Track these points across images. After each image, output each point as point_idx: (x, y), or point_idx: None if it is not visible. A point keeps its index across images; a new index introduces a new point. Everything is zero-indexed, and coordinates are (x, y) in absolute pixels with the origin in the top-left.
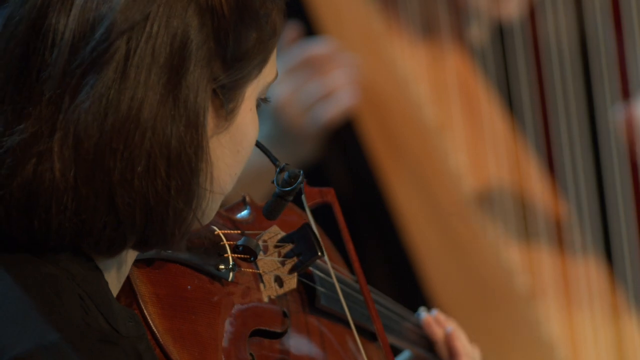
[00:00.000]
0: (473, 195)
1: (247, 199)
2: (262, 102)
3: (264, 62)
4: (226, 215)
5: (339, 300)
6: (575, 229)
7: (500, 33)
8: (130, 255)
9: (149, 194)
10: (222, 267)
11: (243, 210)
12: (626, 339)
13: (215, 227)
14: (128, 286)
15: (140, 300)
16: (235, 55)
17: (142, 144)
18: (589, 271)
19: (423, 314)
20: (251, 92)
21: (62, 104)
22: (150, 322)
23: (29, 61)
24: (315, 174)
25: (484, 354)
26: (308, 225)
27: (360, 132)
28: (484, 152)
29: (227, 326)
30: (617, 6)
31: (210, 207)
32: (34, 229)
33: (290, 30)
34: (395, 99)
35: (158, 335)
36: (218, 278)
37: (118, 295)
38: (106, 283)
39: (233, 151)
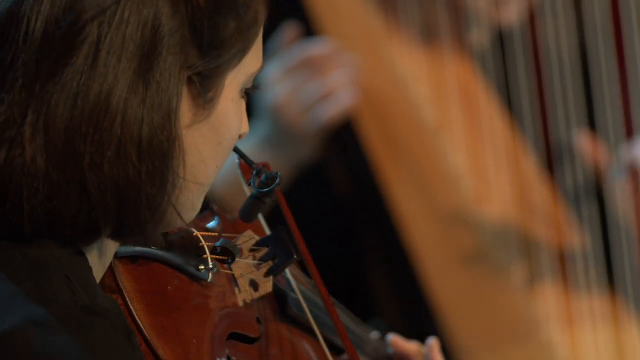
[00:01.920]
0: (473, 196)
1: (215, 208)
2: (248, 92)
3: (243, 51)
4: (198, 223)
5: (307, 307)
6: (574, 229)
7: (500, 36)
8: (110, 247)
9: (120, 178)
10: (202, 267)
11: (211, 220)
12: (627, 346)
13: (193, 229)
14: (113, 281)
15: (126, 296)
16: (211, 43)
17: (112, 128)
18: (587, 271)
19: (389, 335)
20: (231, 81)
21: (34, 89)
22: (136, 317)
23: (3, 48)
24: (315, 174)
25: (483, 353)
26: (283, 228)
27: (359, 132)
28: (483, 152)
29: (207, 327)
30: (617, 10)
31: (186, 197)
32: (7, 214)
33: (290, 30)
34: (394, 99)
35: (144, 330)
36: (197, 279)
37: (103, 289)
38: (90, 269)
39: (214, 142)
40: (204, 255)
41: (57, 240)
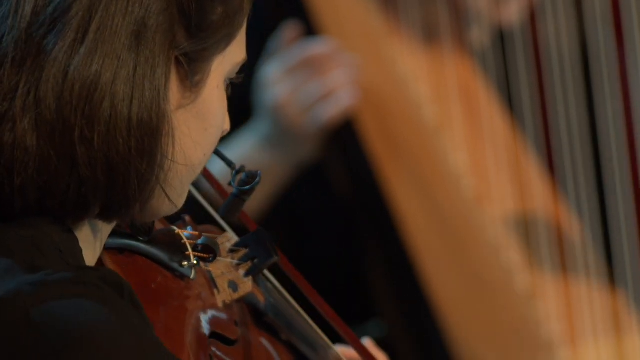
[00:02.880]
0: (473, 195)
1: (187, 218)
2: (232, 82)
3: (230, 36)
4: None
5: (282, 312)
6: (575, 229)
7: (501, 35)
8: (102, 232)
9: (110, 152)
10: (185, 263)
11: (184, 229)
12: (627, 341)
13: (174, 227)
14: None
15: None
16: (199, 25)
17: (102, 103)
18: (589, 271)
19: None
20: (217, 67)
21: (24, 65)
22: None
23: None
24: (315, 174)
25: (484, 353)
26: (261, 229)
27: (360, 132)
28: (483, 152)
29: (191, 323)
30: (617, 9)
31: (174, 178)
32: None
33: (290, 30)
34: (395, 99)
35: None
36: (180, 275)
37: None
38: (80, 250)
39: (201, 128)
40: (187, 253)
41: (48, 218)
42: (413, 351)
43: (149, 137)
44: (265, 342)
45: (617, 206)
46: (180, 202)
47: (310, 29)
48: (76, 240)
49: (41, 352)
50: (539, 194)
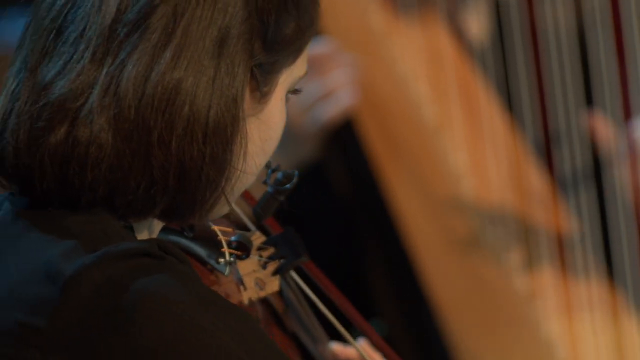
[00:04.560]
0: (473, 195)
1: None
2: (291, 94)
3: (299, 50)
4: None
5: (302, 316)
6: (574, 228)
7: (500, 32)
8: (156, 229)
9: (185, 157)
10: (222, 260)
11: (220, 227)
12: (626, 340)
13: (210, 223)
14: None
15: None
16: (275, 38)
17: (183, 108)
18: (588, 270)
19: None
20: (284, 80)
21: (105, 61)
22: None
23: (77, 15)
24: (315, 174)
25: (483, 352)
26: (291, 229)
27: (359, 132)
28: (483, 152)
29: None
30: (616, 6)
31: (237, 186)
32: (67, 182)
33: None
34: (394, 99)
35: None
36: (215, 271)
37: None
38: None
39: (263, 138)
40: (222, 249)
41: (111, 213)
42: (413, 351)
43: (222, 145)
44: (285, 340)
45: (617, 206)
46: (231, 205)
47: None
48: (135, 238)
49: (117, 317)
50: (539, 193)
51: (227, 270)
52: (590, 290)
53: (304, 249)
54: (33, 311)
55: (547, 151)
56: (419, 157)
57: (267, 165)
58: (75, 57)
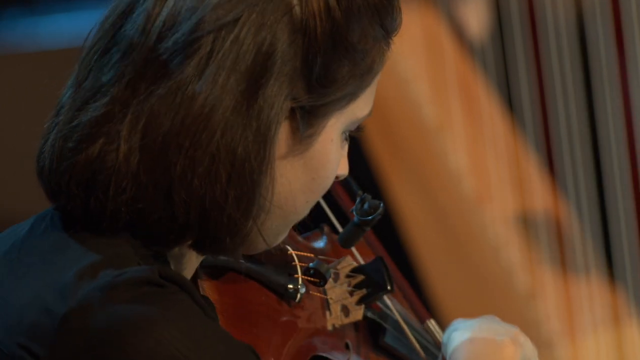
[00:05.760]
0: (473, 195)
1: (326, 229)
2: (350, 135)
3: (353, 95)
4: (303, 242)
5: (403, 341)
6: (574, 228)
7: (500, 32)
8: (194, 256)
9: (207, 196)
10: (291, 286)
11: (320, 240)
12: (626, 340)
13: (288, 247)
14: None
15: None
16: (320, 81)
17: (209, 145)
18: (588, 270)
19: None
20: (335, 122)
21: (139, 89)
22: None
23: (118, 42)
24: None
25: None
26: (381, 258)
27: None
28: (484, 152)
29: (287, 347)
30: (617, 4)
31: (270, 224)
32: (90, 207)
33: None
34: (395, 99)
35: None
36: (285, 298)
37: None
38: (168, 263)
39: (307, 177)
40: (296, 275)
41: (134, 239)
42: None
43: (248, 187)
44: None
45: (617, 205)
46: (277, 240)
47: None
48: (164, 260)
49: (103, 355)
50: (539, 193)
51: (297, 298)
52: (591, 289)
53: (391, 279)
54: (35, 338)
55: (547, 151)
56: (420, 157)
57: (356, 194)
58: (112, 80)
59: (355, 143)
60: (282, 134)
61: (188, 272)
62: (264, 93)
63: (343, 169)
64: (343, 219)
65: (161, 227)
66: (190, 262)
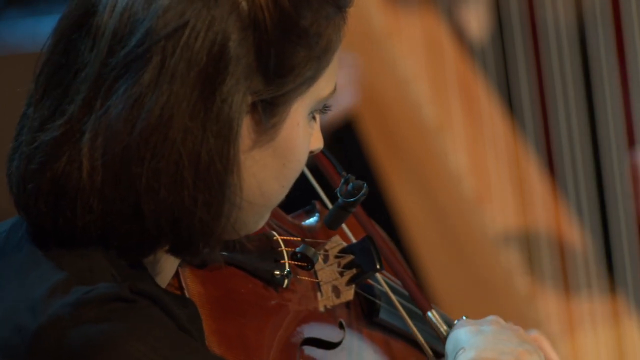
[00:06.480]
0: (473, 195)
1: (318, 206)
2: (318, 113)
3: (313, 78)
4: (292, 221)
5: (397, 315)
6: (574, 228)
7: (500, 32)
8: (171, 258)
9: (175, 204)
10: (278, 272)
11: (311, 217)
12: (626, 340)
13: (274, 233)
14: (177, 283)
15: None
16: (277, 72)
17: (171, 154)
18: (588, 270)
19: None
20: (298, 107)
21: (94, 105)
22: None
23: (69, 57)
24: (315, 174)
25: None
26: (370, 237)
27: (360, 132)
28: (484, 152)
29: (278, 333)
30: (617, 4)
31: (244, 218)
32: (59, 225)
33: None
34: (395, 99)
35: (204, 336)
36: (273, 284)
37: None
38: (146, 272)
39: (279, 164)
40: (282, 261)
41: (106, 250)
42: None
43: (215, 189)
44: (377, 340)
45: (617, 205)
46: (258, 226)
47: None
48: (140, 267)
49: None
50: (539, 193)
51: (285, 283)
52: (590, 289)
53: (380, 258)
54: (6, 355)
55: (547, 151)
56: (419, 157)
57: (341, 175)
58: (68, 99)
59: (356, 143)
60: (246, 129)
61: (166, 275)
62: (221, 93)
63: (316, 144)
64: (334, 197)
65: (133, 237)
66: (168, 265)
